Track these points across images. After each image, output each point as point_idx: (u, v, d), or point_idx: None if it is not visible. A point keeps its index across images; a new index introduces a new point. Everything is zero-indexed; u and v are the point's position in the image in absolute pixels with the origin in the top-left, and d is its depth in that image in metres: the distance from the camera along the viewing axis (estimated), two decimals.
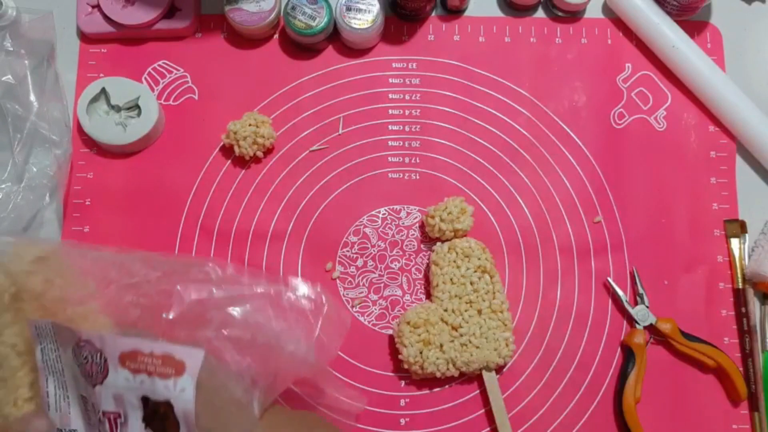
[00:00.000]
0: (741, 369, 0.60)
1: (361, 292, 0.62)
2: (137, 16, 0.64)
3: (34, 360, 0.48)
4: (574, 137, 0.65)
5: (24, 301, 0.48)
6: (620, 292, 0.62)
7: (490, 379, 0.59)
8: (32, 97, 0.62)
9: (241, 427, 0.46)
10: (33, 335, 0.47)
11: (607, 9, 0.68)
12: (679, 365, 0.61)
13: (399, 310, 0.62)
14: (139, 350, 0.44)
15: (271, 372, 0.47)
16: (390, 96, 0.66)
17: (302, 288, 0.52)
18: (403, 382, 0.61)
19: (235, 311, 0.49)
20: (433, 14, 0.68)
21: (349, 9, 0.64)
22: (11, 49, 0.62)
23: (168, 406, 0.43)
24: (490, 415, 0.59)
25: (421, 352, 0.57)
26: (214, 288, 0.50)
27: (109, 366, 0.44)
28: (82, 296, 0.49)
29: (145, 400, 0.43)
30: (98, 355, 0.44)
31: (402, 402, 0.60)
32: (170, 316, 0.48)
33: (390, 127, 0.65)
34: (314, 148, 0.65)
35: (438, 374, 0.58)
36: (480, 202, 0.64)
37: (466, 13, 0.68)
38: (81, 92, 0.63)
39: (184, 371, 0.43)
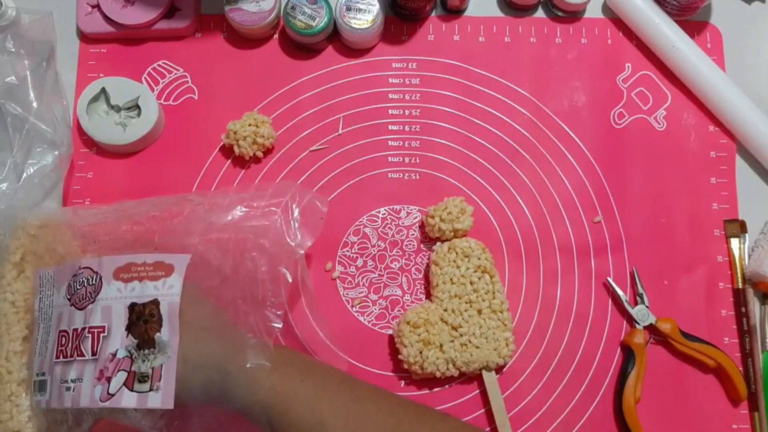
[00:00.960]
0: (741, 369, 0.60)
1: (361, 292, 0.62)
2: (137, 16, 0.64)
3: (28, 317, 0.52)
4: (574, 137, 0.65)
5: (28, 263, 0.54)
6: (620, 292, 0.62)
7: (490, 379, 0.59)
8: (32, 97, 0.62)
9: (219, 319, 0.48)
10: (36, 285, 0.51)
11: (607, 9, 0.68)
12: (679, 365, 0.61)
13: (399, 310, 0.62)
14: (133, 262, 0.48)
15: (250, 264, 0.51)
16: (390, 96, 0.66)
17: (273, 188, 0.55)
18: (403, 382, 0.60)
19: (214, 217, 0.53)
20: (433, 14, 0.68)
21: (349, 9, 0.64)
22: (12, 50, 0.62)
23: (154, 305, 0.46)
24: (490, 415, 0.59)
25: (420, 352, 0.57)
26: (196, 206, 0.54)
27: (103, 282, 0.47)
28: (78, 250, 0.54)
29: (131, 308, 0.46)
30: (94, 277, 0.48)
31: None
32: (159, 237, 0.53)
33: (390, 127, 0.65)
34: (314, 148, 0.65)
35: (438, 374, 0.58)
36: (480, 202, 0.64)
37: (466, 13, 0.68)
38: (81, 92, 0.63)
39: (173, 272, 0.47)
